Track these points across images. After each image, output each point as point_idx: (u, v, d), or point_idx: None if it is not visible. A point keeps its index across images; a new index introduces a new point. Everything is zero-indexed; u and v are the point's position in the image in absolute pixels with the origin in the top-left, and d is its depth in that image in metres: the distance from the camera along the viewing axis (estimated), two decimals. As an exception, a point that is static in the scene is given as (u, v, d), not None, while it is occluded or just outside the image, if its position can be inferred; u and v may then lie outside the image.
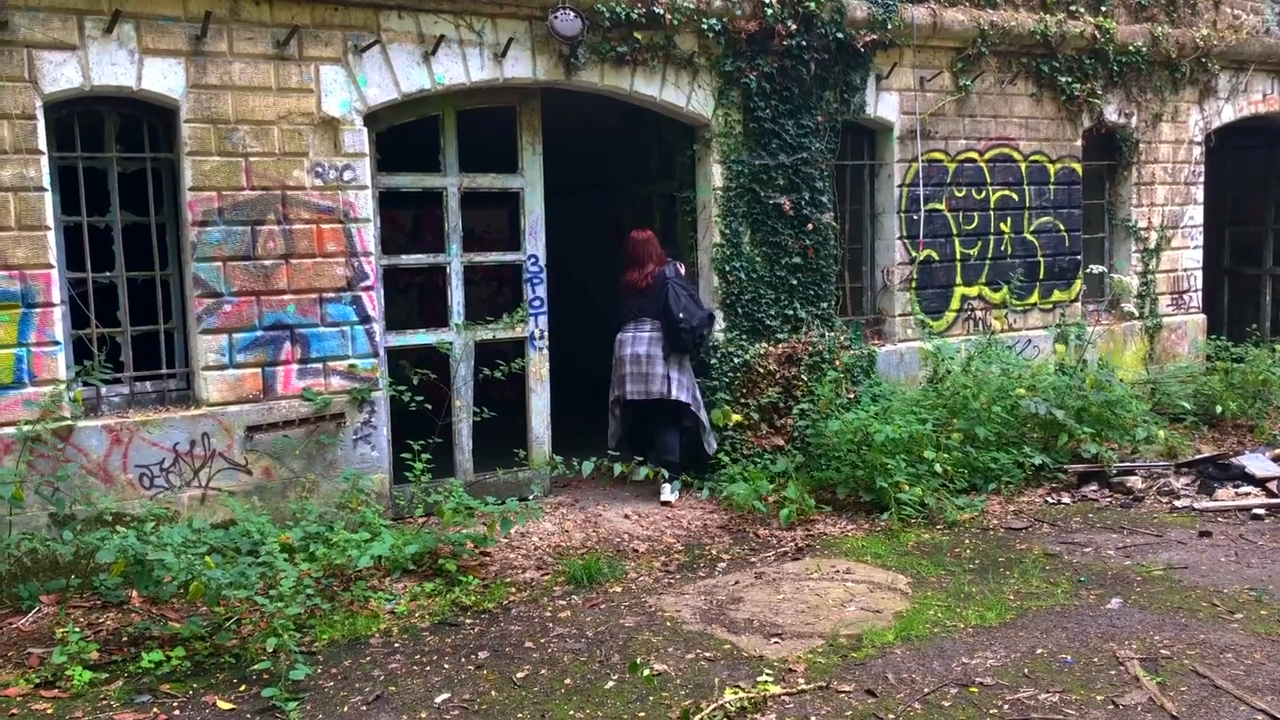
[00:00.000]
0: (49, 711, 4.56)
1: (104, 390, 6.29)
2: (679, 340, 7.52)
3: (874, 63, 8.40)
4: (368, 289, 6.79)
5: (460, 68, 6.91)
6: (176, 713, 4.53)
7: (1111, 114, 9.79)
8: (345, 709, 4.53)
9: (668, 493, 7.60)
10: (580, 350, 9.24)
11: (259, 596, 5.02)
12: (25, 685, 4.77)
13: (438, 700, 4.60)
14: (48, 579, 5.76)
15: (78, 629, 5.13)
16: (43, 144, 5.89)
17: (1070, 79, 9.39)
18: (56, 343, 5.98)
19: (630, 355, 7.60)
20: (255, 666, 4.84)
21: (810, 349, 8.05)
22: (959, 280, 9.11)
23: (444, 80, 6.88)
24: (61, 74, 5.89)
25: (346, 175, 6.65)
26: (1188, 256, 10.62)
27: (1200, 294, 10.82)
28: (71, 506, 5.89)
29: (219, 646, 5.12)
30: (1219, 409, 9.22)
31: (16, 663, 5.03)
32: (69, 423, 5.99)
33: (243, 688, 4.76)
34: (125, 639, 5.28)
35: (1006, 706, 4.38)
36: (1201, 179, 10.61)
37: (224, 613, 5.36)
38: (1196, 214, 10.63)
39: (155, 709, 4.56)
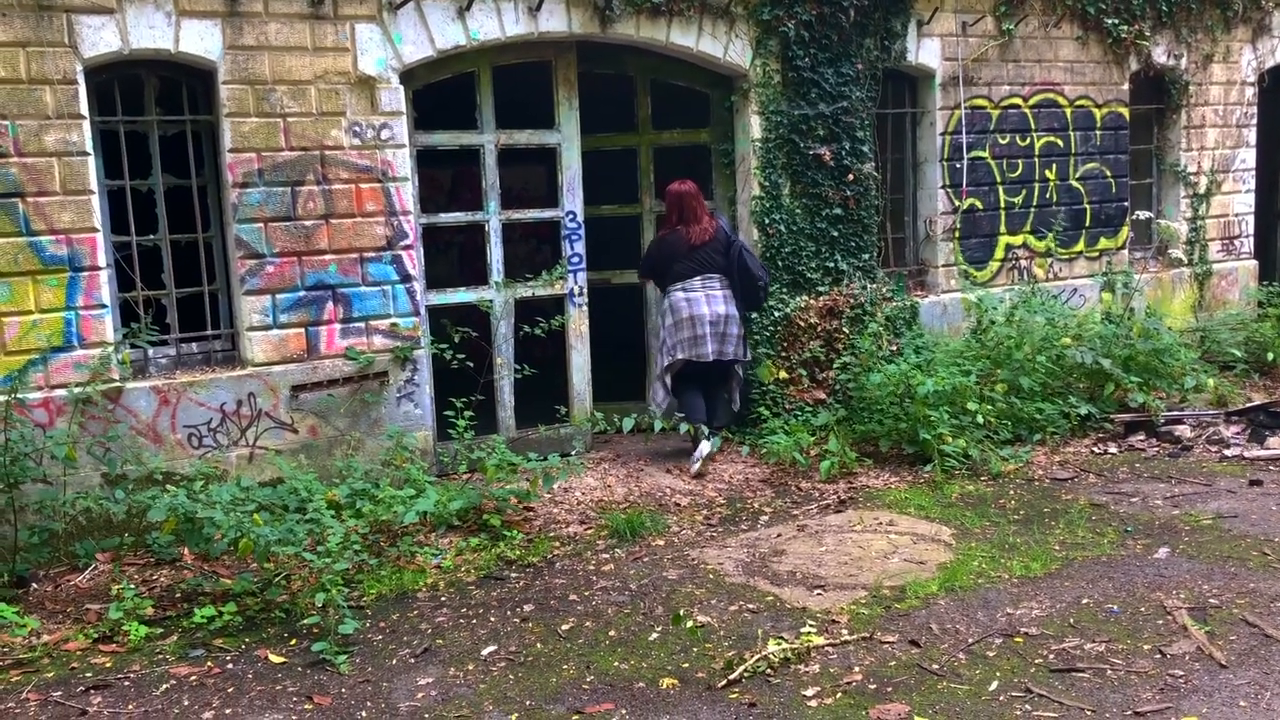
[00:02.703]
0: (108, 665, 4.68)
1: (151, 352, 6.38)
2: (756, 299, 7.43)
3: (915, 8, 8.24)
4: (408, 248, 6.81)
5: (495, 23, 6.87)
6: (229, 666, 4.63)
7: (1160, 56, 9.55)
8: (394, 661, 4.61)
9: (707, 448, 7.37)
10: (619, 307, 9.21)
11: (307, 553, 5.10)
12: (84, 640, 4.90)
13: (484, 652, 4.66)
14: (102, 537, 5.90)
15: (133, 585, 5.25)
16: (84, 108, 5.94)
17: (1117, 20, 9.16)
18: (104, 306, 6.07)
19: (709, 315, 7.21)
20: (305, 621, 4.93)
21: (852, 301, 7.98)
22: (1003, 229, 8.98)
23: (479, 36, 6.84)
24: (100, 38, 5.92)
25: (384, 134, 6.65)
26: (1239, 201, 10.38)
27: (1252, 239, 10.58)
28: (123, 466, 6.00)
29: (269, 602, 5.22)
30: (1270, 356, 9.05)
31: (75, 618, 5.16)
32: (118, 384, 6.09)
33: (293, 642, 4.85)
34: (178, 595, 5.40)
35: (1052, 656, 4.37)
36: (1254, 121, 10.34)
37: (273, 569, 5.47)
38: (1248, 157, 10.37)
39: (209, 662, 4.67)
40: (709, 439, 7.39)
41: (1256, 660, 4.25)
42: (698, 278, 7.27)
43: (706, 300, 7.22)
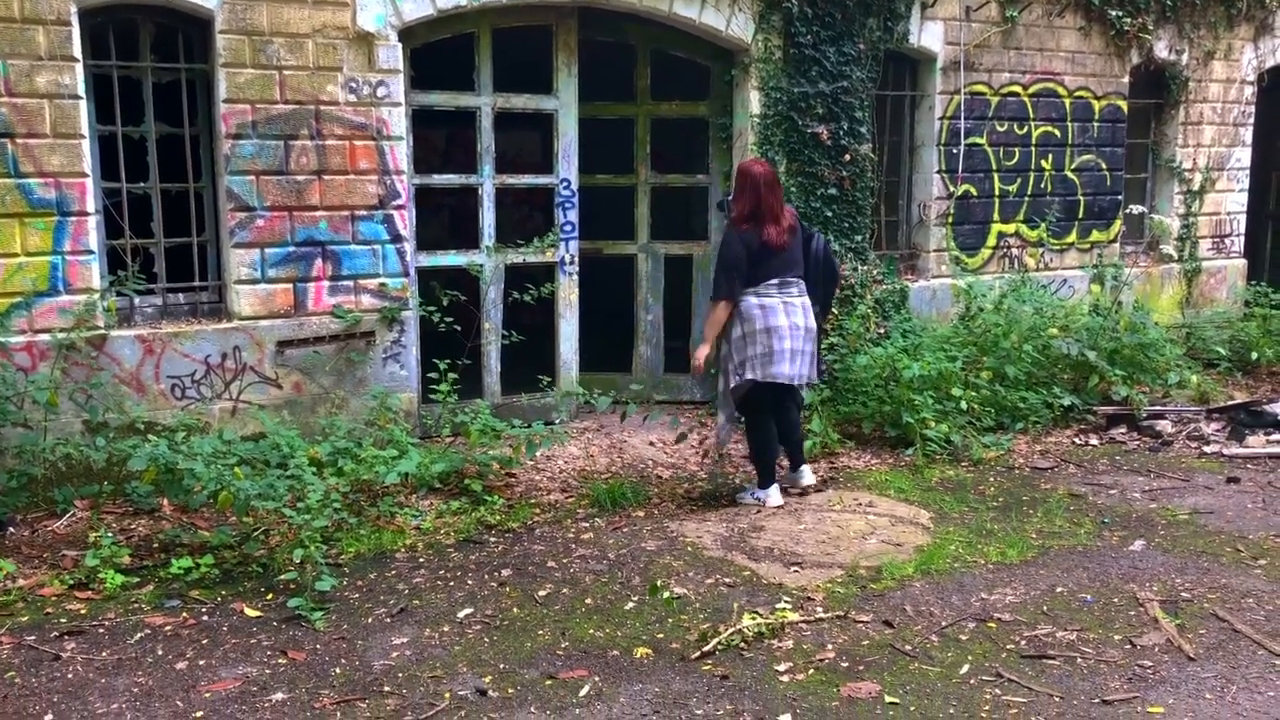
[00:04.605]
0: (82, 611, 4.68)
1: (137, 301, 6.34)
2: (829, 303, 6.55)
3: (919, -10, 8.21)
4: (399, 208, 6.77)
5: (497, -16, 6.81)
6: (205, 618, 4.63)
7: (1162, 50, 9.54)
8: (370, 620, 4.62)
9: (809, 475, 6.40)
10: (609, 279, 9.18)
11: (287, 509, 5.10)
12: (60, 586, 4.89)
13: (460, 614, 4.68)
14: (81, 484, 5.88)
15: (110, 534, 5.24)
16: (78, 51, 5.87)
17: (1121, 13, 9.13)
18: (91, 252, 6.02)
19: (787, 327, 5.94)
20: (282, 576, 4.93)
21: (842, 282, 7.96)
22: (996, 217, 8.98)
23: (480, -3, 6.79)
24: (96, -20, 5.85)
25: (380, 91, 6.60)
26: (1232, 200, 10.41)
27: (1243, 238, 10.62)
28: (104, 414, 5.98)
29: (247, 556, 5.22)
30: (1254, 355, 9.11)
31: (51, 564, 5.15)
32: (102, 332, 6.05)
33: (270, 596, 4.86)
34: (156, 545, 5.39)
35: (1023, 642, 4.40)
36: (1251, 120, 10.35)
37: (252, 523, 5.46)
38: (1244, 156, 10.39)
39: (184, 613, 4.67)
40: (802, 467, 6.41)
41: (1224, 654, 4.29)
42: (774, 281, 5.98)
43: (784, 310, 5.96)
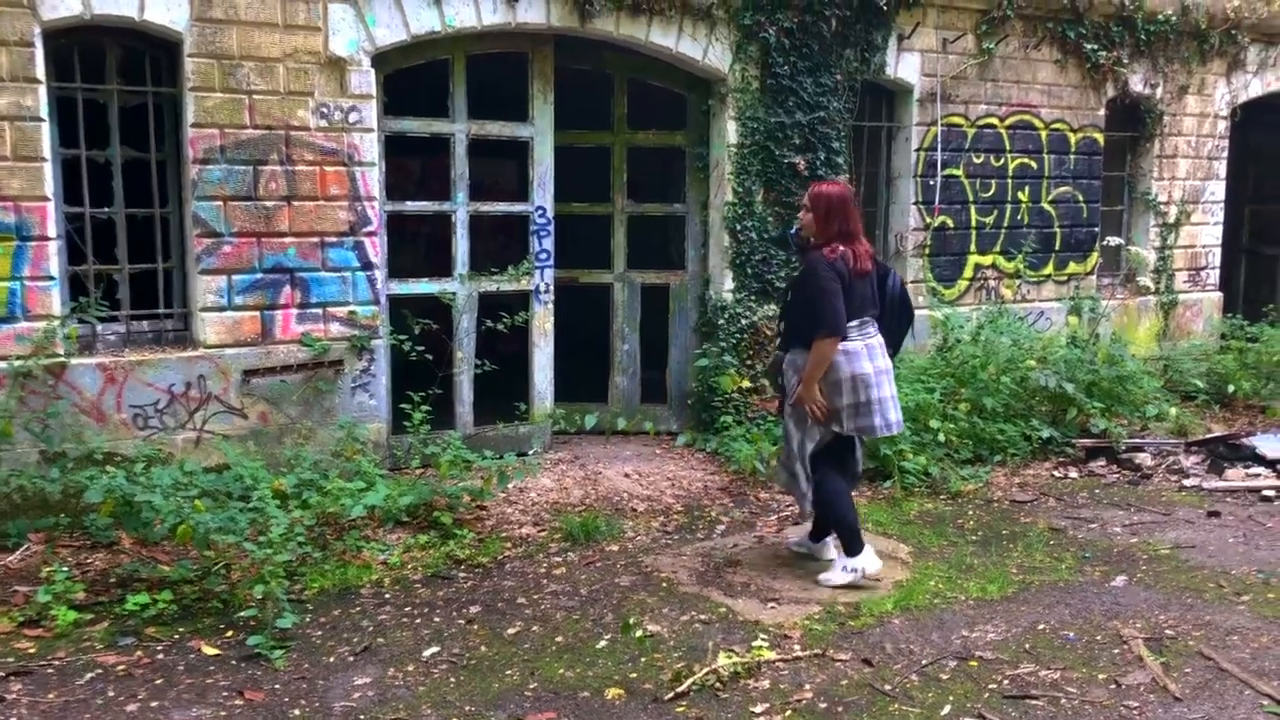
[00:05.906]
0: (31, 650, 4.49)
1: (99, 328, 6.19)
2: (900, 345, 5.70)
3: (896, 22, 8.19)
4: (370, 234, 6.66)
5: (471, 10, 6.73)
6: (160, 656, 4.46)
7: (1137, 84, 9.57)
8: (332, 659, 4.46)
9: (832, 549, 5.58)
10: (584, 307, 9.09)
11: (248, 543, 4.93)
12: (8, 623, 4.71)
13: (426, 654, 4.53)
14: (37, 517, 5.68)
15: (65, 568, 5.06)
16: (41, 73, 5.74)
17: (1096, 46, 9.17)
18: (51, 278, 5.87)
19: (875, 372, 5.26)
20: (242, 613, 4.76)
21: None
22: (973, 248, 8.95)
23: (454, 23, 6.71)
24: (61, 1, 5.73)
25: (352, 117, 6.50)
26: (1207, 233, 10.43)
27: (1218, 271, 10.64)
28: (62, 444, 5.80)
29: (207, 591, 5.05)
30: (1231, 388, 9.09)
31: (1, 600, 4.96)
32: (62, 359, 5.89)
33: (229, 633, 4.69)
34: (113, 580, 5.21)
35: (1006, 682, 4.29)
36: (1225, 154, 10.40)
37: (214, 557, 5.29)
38: (1218, 190, 10.43)
39: (139, 651, 4.50)
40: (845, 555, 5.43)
41: (1211, 694, 4.19)
42: (855, 322, 5.26)
43: (867, 353, 5.28)
